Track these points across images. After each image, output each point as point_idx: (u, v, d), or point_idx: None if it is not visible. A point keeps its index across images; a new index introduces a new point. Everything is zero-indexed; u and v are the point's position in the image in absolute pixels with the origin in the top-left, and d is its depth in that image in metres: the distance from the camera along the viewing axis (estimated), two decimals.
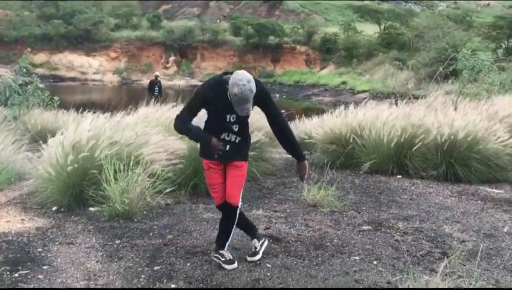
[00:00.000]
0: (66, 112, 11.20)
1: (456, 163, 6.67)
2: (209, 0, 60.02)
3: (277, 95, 34.18)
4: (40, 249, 3.71)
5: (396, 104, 9.55)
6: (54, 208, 4.82)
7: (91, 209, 4.74)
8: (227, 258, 3.36)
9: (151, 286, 3.07)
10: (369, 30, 42.74)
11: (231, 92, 3.02)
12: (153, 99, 15.03)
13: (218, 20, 52.02)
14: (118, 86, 39.61)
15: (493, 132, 6.84)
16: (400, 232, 4.22)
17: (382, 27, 41.92)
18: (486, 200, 5.63)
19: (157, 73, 17.59)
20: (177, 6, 62.47)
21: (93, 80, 40.29)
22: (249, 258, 3.47)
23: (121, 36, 43.49)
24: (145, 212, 4.65)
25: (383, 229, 4.28)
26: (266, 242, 3.61)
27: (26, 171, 6.39)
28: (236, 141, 3.30)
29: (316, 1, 63.62)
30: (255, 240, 3.57)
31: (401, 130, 6.84)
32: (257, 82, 3.11)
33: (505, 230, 4.41)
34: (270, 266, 3.39)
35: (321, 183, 5.21)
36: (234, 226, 3.42)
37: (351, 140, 7.20)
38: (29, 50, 25.58)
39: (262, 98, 3.22)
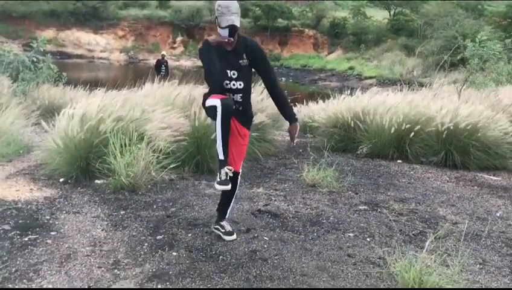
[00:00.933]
0: (73, 89, 11.38)
1: (456, 150, 6.77)
2: None
3: (283, 79, 34.14)
4: (48, 217, 3.88)
5: (401, 90, 9.59)
6: (61, 179, 4.98)
7: (97, 181, 4.90)
8: (227, 230, 3.51)
9: (152, 253, 3.23)
10: (379, 16, 42.42)
11: (216, 10, 3.18)
12: (159, 78, 15.20)
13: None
14: (124, 64, 39.64)
15: (495, 120, 6.92)
16: (395, 212, 4.36)
17: (392, 13, 41.55)
18: (483, 186, 5.74)
19: (164, 52, 17.62)
20: None
21: (100, 58, 40.31)
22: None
23: (128, 14, 43.36)
24: (149, 186, 4.80)
25: (379, 210, 4.42)
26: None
27: (35, 143, 6.56)
28: (240, 108, 3.34)
29: None
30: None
31: (403, 116, 6.93)
32: (254, 42, 3.33)
33: (498, 214, 4.54)
34: (267, 239, 3.54)
35: (320, 164, 5.34)
36: (235, 195, 3.54)
37: (353, 124, 7.30)
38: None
39: (259, 55, 3.32)
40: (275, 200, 4.55)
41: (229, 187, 3.24)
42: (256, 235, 3.60)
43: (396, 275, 2.84)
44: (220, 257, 3.20)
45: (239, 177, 3.54)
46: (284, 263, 3.14)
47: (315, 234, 3.67)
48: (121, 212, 4.06)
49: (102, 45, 41.20)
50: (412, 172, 6.31)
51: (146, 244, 3.38)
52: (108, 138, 4.86)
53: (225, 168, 3.25)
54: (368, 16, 41.64)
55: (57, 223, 3.76)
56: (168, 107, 5.95)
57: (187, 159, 5.43)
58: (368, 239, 3.65)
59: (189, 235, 3.58)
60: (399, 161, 6.89)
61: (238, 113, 3.34)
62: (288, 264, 3.12)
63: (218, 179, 3.24)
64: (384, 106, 7.27)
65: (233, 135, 3.35)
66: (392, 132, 6.90)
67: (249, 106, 3.43)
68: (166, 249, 3.30)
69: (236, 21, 3.20)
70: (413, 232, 3.86)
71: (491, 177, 6.34)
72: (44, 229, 3.60)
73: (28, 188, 4.69)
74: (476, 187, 5.67)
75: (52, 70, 10.21)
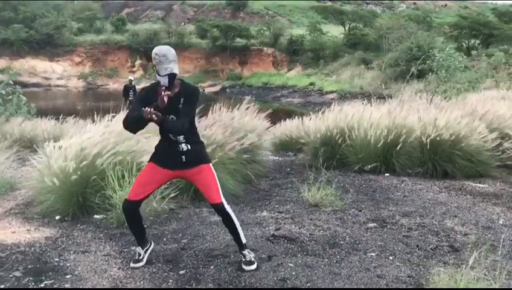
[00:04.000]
0: (42, 119, 11.04)
1: (441, 160, 6.94)
2: (174, 0, 59.68)
3: (247, 97, 34.30)
4: (56, 259, 3.69)
5: (367, 103, 9.77)
6: (58, 217, 4.77)
7: (96, 216, 4.72)
8: (247, 259, 3.44)
9: None
10: (334, 31, 43.49)
11: (153, 59, 3.24)
12: (128, 104, 14.94)
13: (183, 23, 51.81)
14: (83, 91, 38.88)
15: (474, 129, 7.15)
16: (405, 228, 4.40)
17: (347, 28, 42.68)
18: (474, 194, 5.89)
19: (131, 77, 17.36)
20: (140, 10, 61.85)
21: (57, 86, 39.42)
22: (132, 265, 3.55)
23: (84, 40, 42.72)
24: (151, 218, 4.66)
25: (389, 226, 4.45)
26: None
27: (17, 180, 6.28)
28: (189, 148, 3.36)
29: (280, 2, 64.29)
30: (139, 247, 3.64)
31: (387, 130, 7.05)
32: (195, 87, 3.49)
33: (501, 222, 4.65)
34: (292, 265, 3.48)
35: (320, 183, 5.35)
36: (237, 221, 3.50)
37: (340, 141, 7.37)
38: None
39: (190, 97, 3.32)
40: (284, 224, 4.50)
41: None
42: (279, 262, 3.54)
43: None
44: (252, 287, 3.12)
45: (226, 207, 3.45)
46: None
47: (338, 257, 3.65)
48: (132, 248, 3.90)
49: (58, 72, 40.30)
50: (402, 185, 6.40)
51: (171, 281, 3.26)
52: (105, 171, 4.71)
53: (137, 248, 3.58)
54: (324, 32, 42.60)
55: (68, 265, 3.58)
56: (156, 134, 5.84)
57: (185, 187, 5.32)
58: (390, 257, 3.65)
59: (212, 267, 3.48)
60: (387, 174, 6.99)
61: (183, 162, 3.37)
62: None
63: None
64: (367, 120, 7.39)
65: (191, 179, 3.50)
66: (379, 145, 7.01)
67: (196, 145, 3.42)
68: (194, 284, 3.20)
69: (175, 68, 3.25)
70: (430, 247, 3.90)
71: (478, 185, 6.51)
72: (58, 273, 3.41)
73: (24, 229, 4.46)
74: (468, 196, 5.81)
75: (21, 102, 9.85)
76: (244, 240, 3.48)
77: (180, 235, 4.22)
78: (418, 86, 19.62)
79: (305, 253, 3.73)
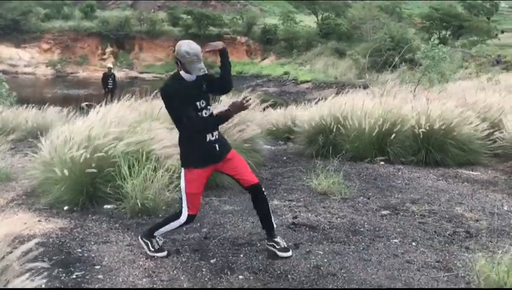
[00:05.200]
0: (22, 108, 10.74)
1: (434, 149, 7.10)
2: None
3: None
4: (79, 250, 3.62)
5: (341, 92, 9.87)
6: (66, 208, 4.67)
7: (107, 207, 4.64)
8: (282, 246, 3.45)
9: (218, 279, 3.11)
10: (308, 21, 43.59)
11: (182, 57, 3.11)
12: (106, 92, 14.64)
13: (153, 10, 50.92)
14: (52, 78, 37.74)
15: (466, 118, 7.34)
16: (417, 215, 4.50)
17: (319, 18, 42.85)
18: (471, 182, 6.06)
19: (110, 65, 16.98)
20: None
21: (25, 73, 38.09)
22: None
23: (52, 27, 41.35)
24: (163, 207, 4.61)
25: (401, 213, 4.54)
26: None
27: (13, 170, 6.11)
28: (218, 136, 3.35)
29: None
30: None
31: (382, 120, 7.17)
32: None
33: (506, 208, 4.82)
34: (321, 252, 3.52)
35: (326, 172, 5.41)
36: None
37: (335, 129, 7.45)
38: None
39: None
40: (300, 212, 4.53)
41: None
42: (307, 249, 3.58)
43: (478, 277, 2.90)
44: (288, 275, 3.15)
45: (259, 186, 3.44)
46: (353, 276, 3.14)
47: (363, 243, 3.71)
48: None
49: (26, 60, 38.96)
50: (399, 173, 6.53)
51: (204, 269, 3.25)
52: (118, 162, 4.63)
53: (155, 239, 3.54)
54: (297, 21, 42.64)
55: (93, 255, 3.52)
56: (157, 123, 5.78)
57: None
58: (413, 243, 3.74)
59: (241, 256, 3.48)
60: (382, 163, 7.11)
61: (217, 151, 3.33)
62: (358, 277, 3.13)
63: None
64: (360, 109, 7.48)
65: (227, 168, 3.42)
66: (373, 134, 7.12)
67: (218, 134, 3.40)
68: (229, 273, 3.19)
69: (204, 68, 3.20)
70: (448, 233, 4.01)
71: (471, 172, 6.71)
72: (86, 264, 3.35)
73: (35, 220, 4.34)
74: (466, 183, 5.98)
75: (2, 90, 9.52)
76: (275, 225, 3.50)
77: (198, 224, 4.20)
78: (391, 76, 19.96)
79: (330, 241, 3.77)
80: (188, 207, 3.33)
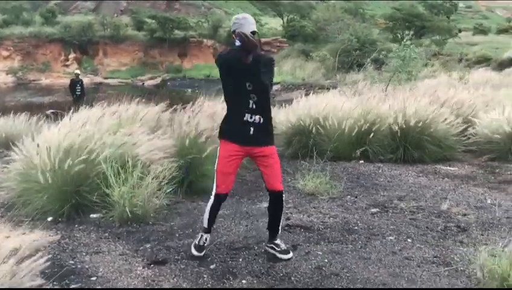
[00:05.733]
0: None
1: (411, 146, 7.24)
2: None
3: (189, 90, 33.88)
4: (71, 261, 3.49)
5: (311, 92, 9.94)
6: (50, 219, 4.50)
7: (93, 216, 4.51)
8: (282, 248, 3.44)
9: (221, 285, 3.05)
10: (273, 23, 43.80)
11: (234, 23, 3.28)
12: (75, 99, 14.28)
13: (116, 15, 50.16)
14: (13, 86, 36.57)
15: (441, 115, 7.51)
16: (407, 211, 4.56)
17: (285, 20, 43.11)
18: (451, 177, 6.20)
19: (77, 71, 16.53)
20: (70, 1, 59.09)
21: None
22: None
23: (11, 33, 40.03)
24: (152, 215, 4.51)
25: (391, 211, 4.59)
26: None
27: None
28: (261, 121, 3.29)
29: None
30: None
31: (363, 120, 7.26)
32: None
33: (489, 202, 4.93)
34: (320, 253, 3.52)
35: (312, 172, 5.42)
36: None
37: (314, 130, 7.49)
38: None
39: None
40: (291, 213, 4.52)
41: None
42: (306, 251, 3.56)
43: (482, 270, 2.94)
44: (291, 277, 3.13)
45: (281, 194, 3.47)
46: (356, 275, 3.15)
47: (360, 242, 3.73)
48: (147, 246, 3.78)
49: None
50: (380, 171, 6.62)
51: (205, 276, 3.19)
52: (103, 169, 4.51)
53: (206, 235, 3.53)
54: (263, 23, 42.78)
55: (87, 267, 3.40)
56: (141, 128, 5.67)
57: (179, 181, 5.20)
58: (409, 240, 3.78)
59: (241, 260, 3.44)
60: (361, 162, 7.18)
61: (250, 135, 3.29)
62: (361, 275, 3.14)
63: (196, 242, 3.50)
64: (339, 109, 7.56)
65: (260, 160, 3.38)
66: (353, 134, 7.20)
67: (267, 121, 3.35)
68: (231, 278, 3.15)
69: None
70: (440, 228, 4.07)
71: (449, 168, 6.86)
72: (81, 276, 3.24)
73: (18, 233, 4.14)
74: (447, 179, 6.11)
75: None
76: (280, 231, 3.50)
77: (190, 230, 4.13)
78: (357, 76, 20.26)
79: (326, 241, 3.77)
80: (216, 186, 3.36)
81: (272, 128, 3.43)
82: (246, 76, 3.19)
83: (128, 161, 4.62)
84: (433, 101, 8.25)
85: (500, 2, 72.10)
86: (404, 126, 7.12)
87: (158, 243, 3.82)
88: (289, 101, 9.40)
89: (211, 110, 6.31)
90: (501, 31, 35.67)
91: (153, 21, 42.02)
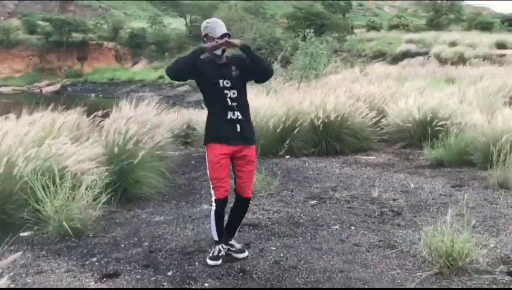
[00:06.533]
0: None
1: (332, 139, 7.60)
2: None
3: (92, 95, 32.51)
4: (13, 286, 3.23)
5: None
6: None
7: (24, 234, 4.19)
8: (237, 248, 3.49)
9: None
10: (176, 24, 43.30)
11: (205, 27, 3.40)
12: None
13: (2, 18, 46.71)
14: None
15: (357, 109, 7.95)
16: (342, 201, 4.79)
17: (188, 20, 42.79)
18: (372, 166, 6.60)
19: None
20: None
21: None
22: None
23: None
24: (90, 227, 4.30)
25: (328, 201, 4.79)
26: None
27: None
28: (242, 118, 3.32)
29: None
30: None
31: (285, 116, 7.48)
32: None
33: (412, 186, 5.33)
34: (274, 248, 3.58)
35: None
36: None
37: None
38: None
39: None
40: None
41: (219, 263, 3.37)
42: (260, 247, 3.61)
43: (430, 248, 3.16)
44: (253, 275, 3.16)
45: (249, 201, 3.52)
46: (314, 265, 3.25)
47: (308, 234, 3.85)
48: (93, 260, 3.60)
49: None
50: (306, 165, 6.87)
51: (165, 283, 3.11)
52: (29, 183, 4.21)
53: (220, 245, 3.42)
54: (166, 24, 42.17)
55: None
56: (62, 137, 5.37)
57: (113, 190, 4.99)
58: (352, 227, 3.98)
59: (197, 264, 3.40)
60: (287, 157, 7.40)
61: (238, 132, 3.30)
62: (318, 266, 3.25)
63: (211, 255, 3.41)
64: (263, 107, 7.71)
65: (238, 161, 3.37)
66: (278, 131, 7.38)
67: (248, 117, 3.41)
68: (191, 282, 3.10)
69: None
70: (376, 214, 4.33)
71: (368, 157, 7.31)
72: None
73: None
74: (369, 168, 6.49)
75: None
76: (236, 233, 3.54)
77: (135, 239, 4.00)
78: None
79: (277, 236, 3.85)
80: (214, 191, 3.33)
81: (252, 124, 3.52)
82: (220, 75, 3.28)
83: (56, 173, 4.37)
84: (347, 95, 8.69)
85: (387, 0, 77.60)
86: (326, 120, 7.43)
87: (104, 256, 3.65)
88: (200, 102, 9.36)
89: (137, 113, 6.13)
90: (392, 27, 38.27)
91: (47, 24, 39.67)
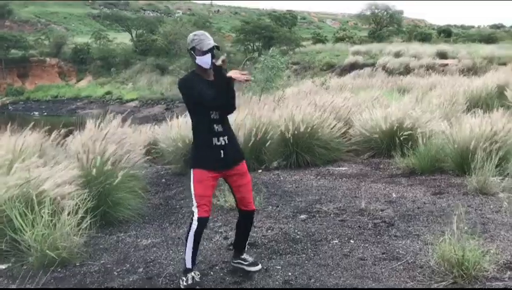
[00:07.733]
0: None
1: (303, 151, 7.62)
2: None
3: (36, 113, 31.17)
4: None
5: None
6: None
7: (2, 267, 3.88)
8: (250, 261, 3.44)
9: None
10: (121, 38, 42.49)
11: (192, 39, 3.19)
12: None
13: None
14: None
15: (324, 120, 8.02)
16: (332, 214, 4.77)
17: (134, 35, 42.10)
18: (346, 177, 6.64)
19: None
20: None
21: None
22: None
23: None
24: (77, 255, 4.03)
25: (317, 215, 4.76)
26: None
27: None
28: (227, 141, 3.26)
29: (51, 9, 59.90)
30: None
31: (255, 129, 7.42)
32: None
33: (394, 196, 5.40)
34: (279, 267, 3.50)
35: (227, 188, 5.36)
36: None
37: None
38: None
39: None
40: (226, 231, 4.42)
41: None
42: (265, 267, 3.51)
43: (440, 260, 3.18)
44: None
45: (253, 214, 3.49)
46: (326, 283, 3.19)
47: (310, 250, 3.79)
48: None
49: None
50: (281, 178, 6.82)
51: None
52: (5, 212, 3.92)
53: (192, 273, 3.25)
54: (111, 38, 41.28)
55: None
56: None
57: (94, 215, 4.73)
58: (351, 241, 3.95)
59: (205, 283, 3.25)
60: (260, 171, 7.34)
61: (221, 158, 3.23)
62: (330, 283, 3.19)
63: (185, 283, 3.21)
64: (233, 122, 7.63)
65: (233, 178, 3.31)
66: (249, 145, 7.31)
67: (233, 139, 3.36)
68: None
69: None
70: (370, 225, 4.33)
71: (340, 168, 7.36)
72: None
73: None
74: (345, 179, 6.53)
75: None
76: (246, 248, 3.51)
77: (127, 265, 3.79)
78: None
79: (278, 254, 3.76)
80: (198, 210, 3.18)
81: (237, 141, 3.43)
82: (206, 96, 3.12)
83: (34, 199, 4.09)
84: (311, 107, 8.77)
85: (328, 14, 79.87)
86: (296, 132, 7.44)
87: (99, 286, 3.43)
88: (152, 118, 9.18)
89: (110, 131, 5.87)
90: (338, 40, 39.30)
91: None
